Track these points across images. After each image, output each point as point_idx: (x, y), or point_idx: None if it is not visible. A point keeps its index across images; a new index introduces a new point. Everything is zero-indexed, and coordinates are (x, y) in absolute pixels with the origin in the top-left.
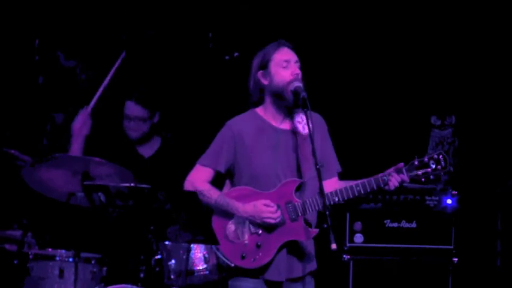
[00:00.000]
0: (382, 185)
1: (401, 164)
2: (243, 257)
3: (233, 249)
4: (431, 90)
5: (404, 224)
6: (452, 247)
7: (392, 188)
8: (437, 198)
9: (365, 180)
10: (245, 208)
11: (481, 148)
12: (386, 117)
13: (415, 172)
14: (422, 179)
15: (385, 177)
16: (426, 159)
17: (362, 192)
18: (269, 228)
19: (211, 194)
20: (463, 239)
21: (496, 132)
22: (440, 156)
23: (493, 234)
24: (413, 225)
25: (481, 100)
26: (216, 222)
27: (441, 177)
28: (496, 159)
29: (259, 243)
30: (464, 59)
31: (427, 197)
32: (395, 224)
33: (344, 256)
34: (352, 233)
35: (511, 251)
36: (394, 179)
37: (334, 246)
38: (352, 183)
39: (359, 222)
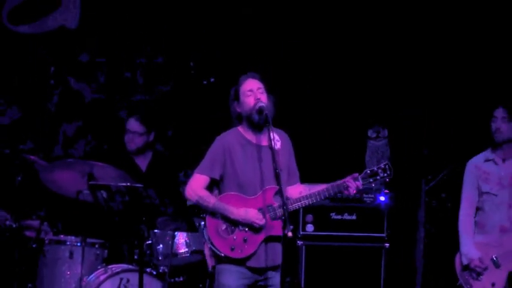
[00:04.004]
0: (343, 190)
1: (356, 174)
2: (232, 249)
3: (224, 243)
4: (368, 110)
5: (346, 216)
6: (384, 235)
7: (352, 193)
8: (373, 195)
9: (329, 185)
10: (239, 212)
11: (407, 156)
12: (333, 132)
13: (367, 179)
14: (373, 185)
15: (345, 184)
16: (375, 169)
17: (327, 196)
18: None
19: (210, 200)
20: (393, 228)
21: (419, 143)
22: (386, 166)
23: (417, 224)
24: (354, 217)
25: (408, 117)
26: (209, 221)
27: (386, 179)
28: (419, 165)
29: (245, 238)
30: (396, 85)
31: (364, 195)
32: (339, 217)
33: (298, 242)
34: (305, 223)
35: (431, 237)
36: (352, 186)
37: (290, 234)
38: (316, 187)
39: (310, 215)
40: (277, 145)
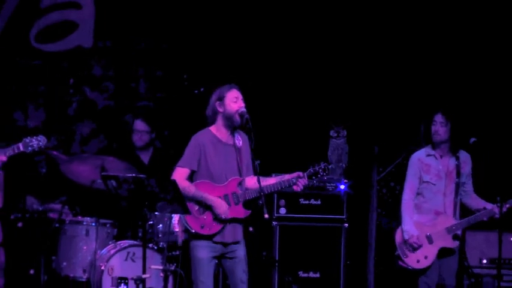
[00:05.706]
0: (293, 185)
1: (301, 173)
2: (202, 227)
3: (195, 221)
4: (330, 114)
5: (313, 201)
6: (344, 217)
7: (300, 188)
8: (334, 184)
9: (280, 180)
10: (216, 201)
11: (363, 152)
12: (302, 132)
13: (311, 177)
14: (315, 181)
15: (294, 180)
16: (317, 169)
17: (279, 188)
18: None
19: (190, 189)
20: (351, 211)
21: (373, 143)
22: (326, 166)
23: (370, 208)
24: (319, 202)
25: (363, 121)
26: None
27: (324, 177)
28: (372, 159)
29: (213, 218)
30: (353, 96)
31: (327, 184)
32: (307, 201)
33: (273, 223)
34: (278, 207)
35: (382, 219)
36: (300, 182)
37: (266, 216)
38: (268, 180)
39: (283, 200)
40: (241, 143)
